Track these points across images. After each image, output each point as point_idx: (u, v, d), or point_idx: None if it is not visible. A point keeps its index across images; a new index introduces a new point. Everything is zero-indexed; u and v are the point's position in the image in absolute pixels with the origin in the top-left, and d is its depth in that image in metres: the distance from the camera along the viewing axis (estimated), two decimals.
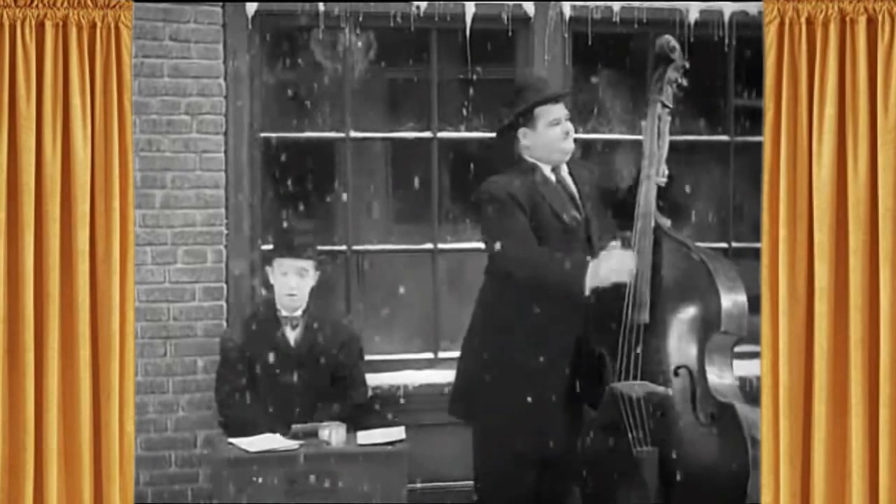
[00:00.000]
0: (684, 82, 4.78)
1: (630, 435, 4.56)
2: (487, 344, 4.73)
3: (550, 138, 4.75)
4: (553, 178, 4.79)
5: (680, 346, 4.58)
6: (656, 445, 4.53)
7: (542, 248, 4.64)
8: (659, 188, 4.68)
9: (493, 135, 5.05)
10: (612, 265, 4.55)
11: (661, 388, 4.54)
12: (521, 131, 4.78)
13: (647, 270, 4.59)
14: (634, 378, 4.55)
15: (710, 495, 4.49)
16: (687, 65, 4.80)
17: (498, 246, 4.64)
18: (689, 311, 4.58)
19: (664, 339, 4.59)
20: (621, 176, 5.62)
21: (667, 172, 4.73)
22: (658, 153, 4.71)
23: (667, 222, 4.69)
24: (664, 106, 4.73)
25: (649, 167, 4.68)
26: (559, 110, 4.77)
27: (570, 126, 4.78)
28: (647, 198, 4.66)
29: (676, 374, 4.56)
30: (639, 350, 4.56)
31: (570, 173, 4.85)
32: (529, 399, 4.61)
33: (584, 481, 4.72)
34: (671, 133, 4.77)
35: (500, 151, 4.96)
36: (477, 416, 4.77)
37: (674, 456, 4.52)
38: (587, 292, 4.53)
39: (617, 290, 4.58)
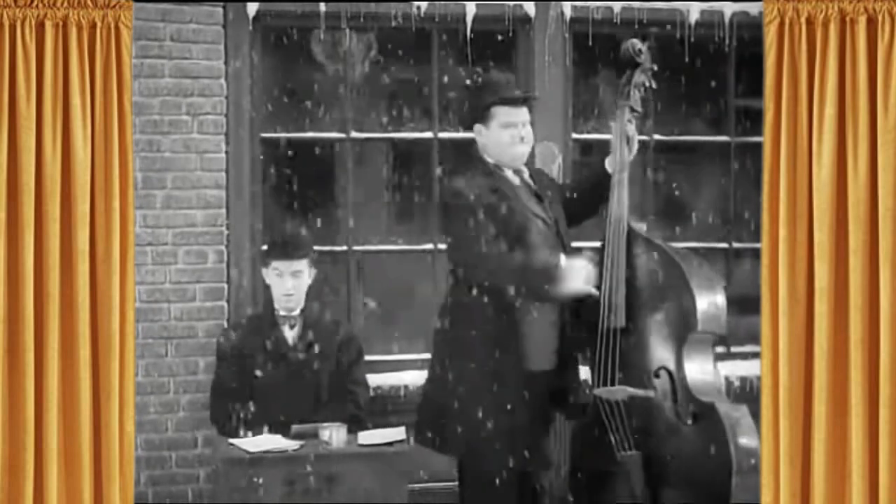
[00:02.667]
0: (653, 85, 4.71)
1: (613, 439, 4.55)
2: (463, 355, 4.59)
3: (501, 140, 4.61)
4: (517, 180, 4.66)
5: (658, 348, 4.55)
6: (640, 448, 4.52)
7: (502, 252, 4.49)
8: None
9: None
10: (571, 276, 4.46)
11: (642, 391, 4.52)
12: (476, 128, 4.65)
13: (620, 275, 4.53)
14: (614, 383, 4.53)
15: (696, 496, 4.48)
16: (655, 67, 4.72)
17: (457, 246, 4.53)
18: (665, 313, 4.54)
19: (642, 342, 4.56)
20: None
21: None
22: (628, 158, 4.63)
23: (642, 226, 4.64)
24: (632, 110, 4.66)
25: (620, 172, 4.62)
26: (516, 114, 4.61)
27: (525, 132, 4.62)
28: (618, 202, 4.59)
29: (657, 375, 4.54)
30: (616, 354, 4.53)
31: (531, 176, 4.73)
32: (506, 410, 4.51)
33: (568, 488, 4.71)
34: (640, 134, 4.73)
35: (464, 148, 4.86)
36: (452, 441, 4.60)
37: (658, 458, 4.51)
38: (555, 296, 4.45)
39: (591, 295, 4.54)
